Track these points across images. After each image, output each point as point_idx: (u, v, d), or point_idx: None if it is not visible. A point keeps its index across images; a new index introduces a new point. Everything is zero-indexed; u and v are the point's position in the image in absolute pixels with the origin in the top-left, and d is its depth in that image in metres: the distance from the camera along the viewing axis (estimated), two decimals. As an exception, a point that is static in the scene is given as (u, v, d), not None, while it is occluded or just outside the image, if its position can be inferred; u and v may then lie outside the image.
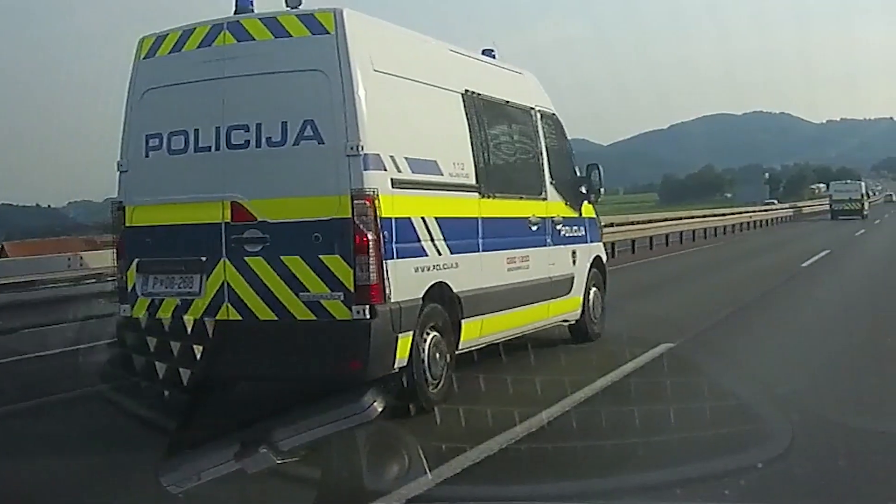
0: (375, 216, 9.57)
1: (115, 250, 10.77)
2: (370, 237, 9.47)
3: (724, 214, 58.05)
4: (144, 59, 10.67)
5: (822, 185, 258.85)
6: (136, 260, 10.36)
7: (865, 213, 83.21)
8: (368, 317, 9.34)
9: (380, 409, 5.71)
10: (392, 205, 9.87)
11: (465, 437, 7.84)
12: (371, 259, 9.45)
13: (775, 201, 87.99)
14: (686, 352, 13.24)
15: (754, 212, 66.71)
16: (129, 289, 10.39)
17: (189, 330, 9.85)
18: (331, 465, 5.71)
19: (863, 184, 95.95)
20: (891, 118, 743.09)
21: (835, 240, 43.63)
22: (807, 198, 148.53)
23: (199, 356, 9.70)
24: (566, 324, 14.39)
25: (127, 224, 10.55)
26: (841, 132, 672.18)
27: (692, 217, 50.31)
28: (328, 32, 9.81)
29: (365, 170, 9.58)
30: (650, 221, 42.48)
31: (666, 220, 45.72)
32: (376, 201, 9.60)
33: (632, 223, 38.84)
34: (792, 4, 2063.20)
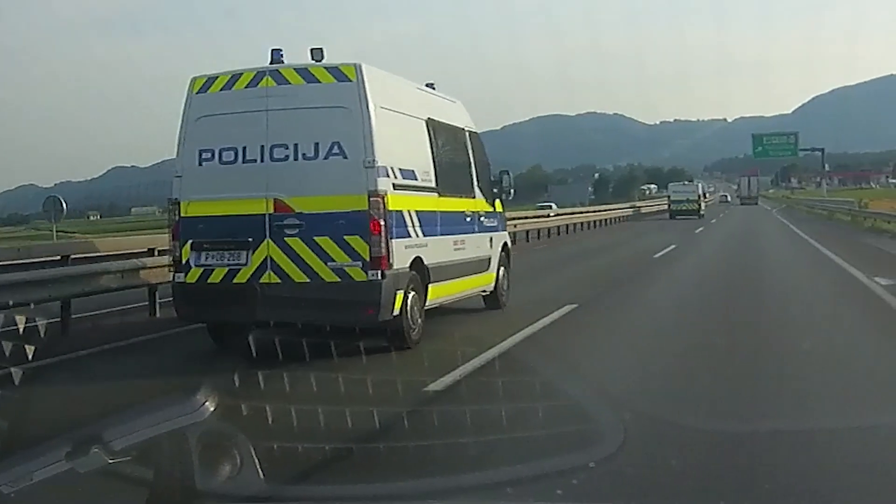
0: (384, 209, 13.65)
1: (170, 233, 14.54)
2: (381, 223, 13.56)
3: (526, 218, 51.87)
4: (197, 94, 14.40)
5: (652, 186, 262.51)
6: (190, 241, 14.12)
7: (702, 212, 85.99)
8: (380, 278, 13.51)
9: (211, 409, 5.71)
10: (393, 201, 13.94)
11: (297, 436, 7.87)
12: (381, 239, 13.56)
13: (553, 205, 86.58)
14: (520, 352, 13.45)
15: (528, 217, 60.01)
16: (184, 262, 14.15)
17: (236, 289, 13.81)
18: (162, 465, 5.69)
19: (700, 185, 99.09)
20: (724, 119, 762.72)
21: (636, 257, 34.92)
22: (637, 198, 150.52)
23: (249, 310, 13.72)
24: (483, 294, 18.67)
25: (182, 215, 14.27)
26: (674, 133, 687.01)
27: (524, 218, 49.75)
28: (350, 80, 13.82)
29: (377, 177, 13.63)
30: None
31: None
32: (385, 199, 13.72)
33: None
34: (622, 4, 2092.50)
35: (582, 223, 64.33)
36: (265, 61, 14.47)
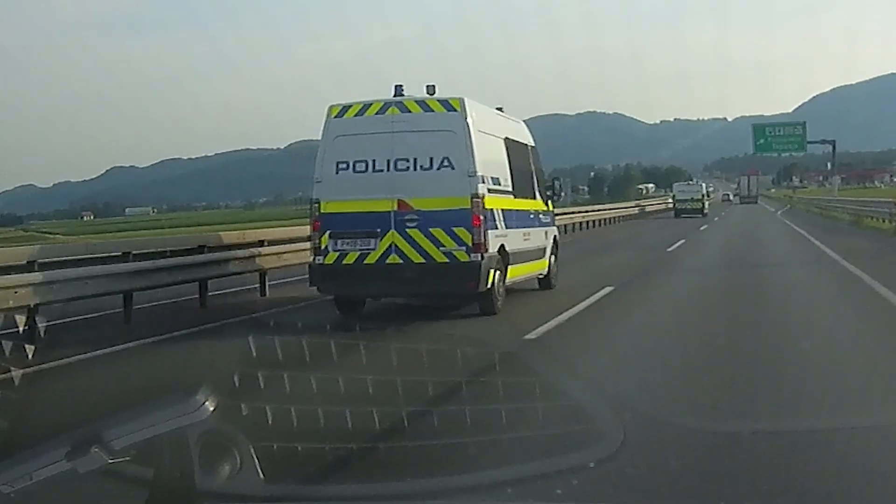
0: (483, 207, 17.90)
1: (312, 225, 18.72)
2: (481, 218, 17.79)
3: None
4: (335, 118, 18.64)
5: (650, 185, 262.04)
6: (329, 231, 18.27)
7: (705, 211, 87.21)
8: (480, 259, 17.70)
9: (211, 409, 5.69)
10: (488, 202, 18.16)
11: (296, 436, 7.86)
12: (481, 230, 17.76)
13: None
14: (520, 353, 13.42)
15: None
16: (322, 248, 18.29)
17: (366, 268, 18.02)
18: (162, 465, 5.67)
19: (703, 185, 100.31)
20: (724, 119, 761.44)
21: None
22: (633, 198, 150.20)
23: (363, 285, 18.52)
24: (539, 277, 22.61)
25: (322, 211, 18.40)
26: (674, 132, 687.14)
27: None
28: (456, 110, 18.20)
29: (478, 183, 17.96)
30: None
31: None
32: (483, 200, 17.96)
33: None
34: (621, 4, 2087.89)
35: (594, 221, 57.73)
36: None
